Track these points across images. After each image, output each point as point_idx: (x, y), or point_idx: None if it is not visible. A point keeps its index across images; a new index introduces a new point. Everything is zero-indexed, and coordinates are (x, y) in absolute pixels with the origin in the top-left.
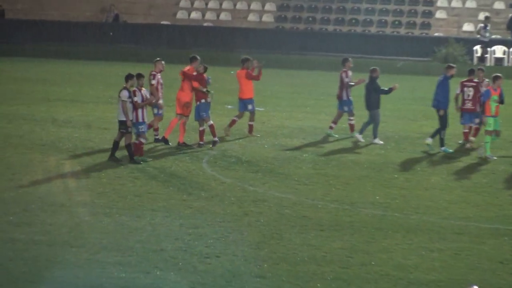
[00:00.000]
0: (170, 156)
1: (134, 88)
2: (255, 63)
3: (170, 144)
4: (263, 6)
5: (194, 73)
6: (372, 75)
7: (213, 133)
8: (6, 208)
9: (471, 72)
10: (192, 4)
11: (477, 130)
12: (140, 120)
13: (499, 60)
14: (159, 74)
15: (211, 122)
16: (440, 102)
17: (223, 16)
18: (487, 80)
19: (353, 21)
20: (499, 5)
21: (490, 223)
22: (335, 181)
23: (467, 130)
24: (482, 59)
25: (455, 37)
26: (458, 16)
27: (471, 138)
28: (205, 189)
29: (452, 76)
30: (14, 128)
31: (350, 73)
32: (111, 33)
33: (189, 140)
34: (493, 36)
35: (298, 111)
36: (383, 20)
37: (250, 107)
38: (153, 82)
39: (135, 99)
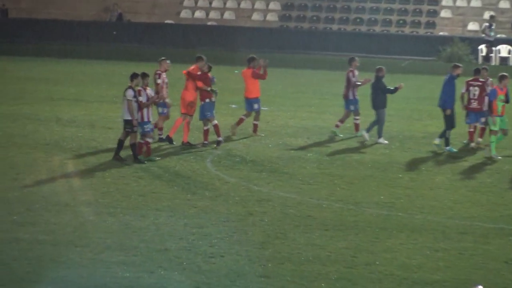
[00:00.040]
0: (174, 156)
1: (139, 88)
2: (261, 62)
3: (174, 143)
4: (267, 5)
5: (199, 73)
6: (378, 74)
7: (218, 133)
8: (10, 207)
9: (477, 71)
10: (196, 3)
11: (483, 130)
12: (146, 119)
13: (504, 60)
14: (164, 73)
15: (216, 121)
16: (446, 101)
17: (227, 15)
18: (490, 79)
19: (358, 20)
20: (504, 4)
21: (495, 223)
22: (340, 180)
23: (472, 130)
24: (487, 58)
25: (460, 36)
26: (463, 15)
27: (479, 139)
28: (210, 189)
29: (458, 75)
30: (17, 127)
31: (356, 72)
32: (114, 32)
33: (193, 139)
34: (498, 35)
35: (302, 111)
36: (388, 19)
37: (256, 106)
38: (159, 81)
39: (140, 98)
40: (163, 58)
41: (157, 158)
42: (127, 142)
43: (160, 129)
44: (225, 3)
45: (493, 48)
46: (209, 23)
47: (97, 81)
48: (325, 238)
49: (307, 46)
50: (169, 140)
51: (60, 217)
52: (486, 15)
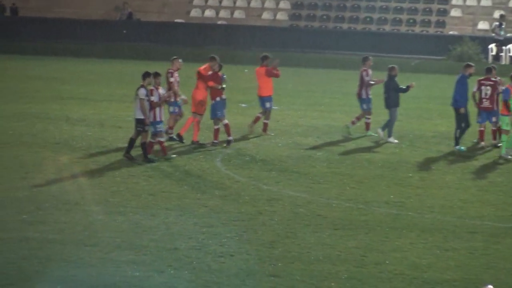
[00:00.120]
0: (184, 155)
1: (152, 87)
2: (276, 63)
3: (184, 141)
4: (277, 4)
5: (210, 72)
6: (391, 73)
7: (228, 132)
8: (19, 206)
9: (489, 70)
10: (206, 2)
11: (495, 132)
12: (158, 119)
13: None
14: (176, 72)
15: (226, 121)
16: (458, 101)
17: (237, 14)
18: (498, 78)
19: (368, 19)
20: None
21: (505, 222)
22: (350, 180)
23: (482, 129)
24: (497, 57)
25: (470, 36)
26: (473, 14)
27: (493, 142)
28: (219, 188)
29: (470, 74)
30: (27, 126)
31: (370, 71)
32: (124, 31)
33: (203, 138)
34: (508, 35)
35: (312, 110)
36: (398, 18)
37: (268, 105)
38: (172, 79)
39: (152, 98)
40: (176, 57)
41: (174, 156)
42: (138, 141)
43: (171, 128)
44: (235, 2)
45: (503, 47)
46: (219, 22)
47: (106, 80)
48: (335, 237)
49: (317, 45)
50: (180, 137)
51: (70, 216)
52: (496, 14)
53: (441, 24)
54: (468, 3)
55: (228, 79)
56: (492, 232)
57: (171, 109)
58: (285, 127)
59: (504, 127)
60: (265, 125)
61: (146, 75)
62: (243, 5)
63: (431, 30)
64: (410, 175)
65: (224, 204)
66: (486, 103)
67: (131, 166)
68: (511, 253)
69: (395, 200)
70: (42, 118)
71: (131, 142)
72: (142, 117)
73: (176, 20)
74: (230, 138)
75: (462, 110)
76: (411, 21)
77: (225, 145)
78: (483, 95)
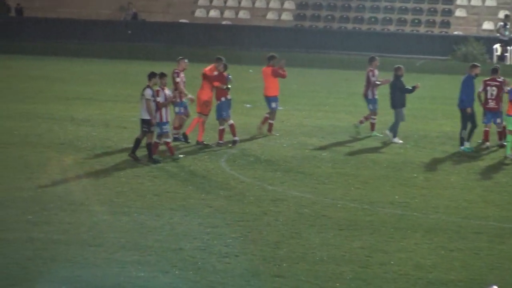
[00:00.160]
0: (189, 155)
1: (158, 88)
2: (282, 63)
3: (189, 141)
4: (282, 4)
5: (215, 73)
6: (397, 73)
7: (233, 133)
8: (24, 207)
9: (494, 71)
10: (211, 2)
11: (500, 133)
12: (164, 120)
13: None
14: (182, 72)
15: (232, 121)
16: (464, 101)
17: (242, 14)
18: (502, 78)
19: (373, 19)
20: None
21: (510, 223)
22: (354, 180)
23: (487, 129)
24: (502, 57)
25: (474, 36)
26: (478, 14)
27: (498, 142)
28: (224, 188)
29: (476, 75)
30: (32, 126)
31: (376, 71)
32: (129, 32)
33: (208, 139)
34: None
35: (317, 110)
36: (403, 19)
37: (273, 105)
38: (178, 79)
39: (158, 99)
40: (182, 57)
41: (181, 156)
42: (143, 142)
43: (176, 128)
44: (239, 2)
45: (508, 48)
46: (223, 22)
47: (111, 80)
48: (340, 238)
49: (322, 46)
50: (185, 137)
51: (75, 217)
52: (501, 14)
53: (445, 24)
54: (473, 3)
55: (233, 79)
56: (497, 233)
57: (177, 109)
58: (290, 128)
59: (510, 128)
60: (270, 125)
61: (152, 75)
62: (247, 5)
63: (436, 30)
64: (415, 175)
65: (229, 204)
66: (491, 104)
67: (136, 166)
68: None
69: (400, 201)
70: (47, 119)
71: (137, 142)
72: (147, 117)
73: (180, 20)
74: (236, 138)
75: (469, 110)
76: (416, 21)
77: (230, 145)
78: (488, 96)
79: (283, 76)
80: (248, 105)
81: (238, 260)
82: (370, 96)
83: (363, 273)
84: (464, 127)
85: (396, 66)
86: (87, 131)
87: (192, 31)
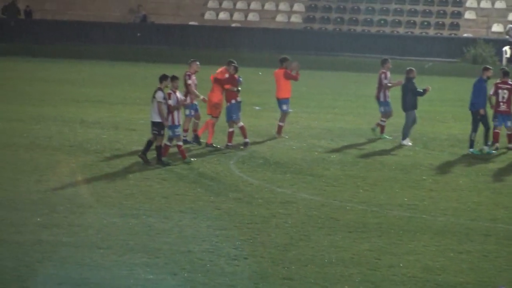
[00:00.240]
0: (198, 157)
1: (169, 91)
2: (294, 66)
3: (202, 142)
4: (292, 6)
5: (226, 75)
6: (409, 75)
7: (244, 135)
8: (34, 209)
9: (506, 73)
10: (220, 4)
11: (510, 136)
12: (176, 123)
13: None
14: (194, 74)
15: (242, 123)
16: (476, 103)
17: (251, 16)
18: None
19: (382, 21)
20: None
21: None
22: (363, 182)
23: (498, 131)
24: (511, 60)
25: (484, 38)
26: (487, 16)
27: (508, 145)
28: (233, 191)
29: (488, 78)
30: (42, 129)
31: (389, 74)
32: (138, 34)
33: (217, 141)
34: None
35: (326, 112)
36: (412, 21)
37: (284, 107)
38: (189, 82)
39: (170, 102)
40: (193, 59)
41: (193, 159)
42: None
43: (185, 130)
44: (249, 5)
45: None
46: (233, 25)
47: (121, 82)
48: (349, 240)
49: (331, 48)
50: (197, 139)
51: (84, 219)
52: (511, 16)
53: (455, 26)
54: (482, 5)
55: (244, 81)
56: (505, 235)
57: (187, 112)
58: (298, 130)
59: None
60: (280, 127)
61: (163, 78)
62: (257, 7)
63: (445, 33)
64: (424, 177)
65: (238, 206)
66: (503, 107)
67: (145, 169)
68: None
69: (409, 203)
70: (57, 121)
71: (149, 144)
72: (158, 120)
73: (190, 23)
74: (247, 140)
75: (481, 112)
76: (425, 23)
77: (242, 147)
78: (500, 99)
79: (295, 79)
80: (257, 107)
81: (247, 263)
82: (382, 99)
83: (371, 275)
84: (474, 129)
85: (408, 68)
86: (97, 133)
87: (202, 34)
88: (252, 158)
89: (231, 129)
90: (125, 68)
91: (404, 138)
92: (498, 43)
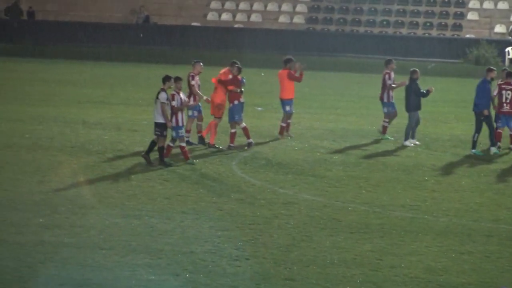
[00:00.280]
0: (200, 158)
1: (173, 92)
2: (297, 66)
3: (207, 143)
4: (294, 7)
5: (230, 76)
6: (413, 76)
7: (247, 135)
8: (36, 210)
9: (509, 74)
10: (223, 5)
11: None
12: (180, 124)
13: None
14: (197, 75)
15: (244, 124)
16: (479, 104)
17: (254, 17)
18: None
19: (384, 22)
20: None
21: None
22: (365, 183)
23: (500, 131)
24: None
25: (487, 39)
26: (490, 17)
27: (510, 146)
28: (235, 191)
29: (492, 79)
30: (44, 130)
31: (393, 74)
32: (141, 35)
33: (219, 142)
34: None
35: (328, 113)
36: (415, 22)
37: (287, 108)
38: (193, 82)
39: (173, 103)
40: (197, 60)
41: (196, 161)
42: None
43: (188, 131)
44: (251, 6)
45: None
46: (235, 26)
47: (123, 83)
48: (351, 241)
49: (334, 49)
50: (202, 140)
51: (86, 220)
52: None
53: (458, 27)
54: (485, 6)
55: (247, 82)
56: (508, 236)
57: (190, 113)
58: (301, 131)
59: None
60: (282, 128)
61: (166, 78)
62: (260, 8)
63: (448, 34)
64: (426, 178)
65: (240, 207)
66: (506, 108)
67: (147, 169)
68: None
69: (411, 204)
70: (59, 122)
71: (152, 144)
72: (161, 121)
73: (192, 24)
74: (250, 140)
75: (485, 112)
76: (428, 24)
77: (246, 147)
78: (503, 99)
79: (298, 80)
80: (259, 108)
81: (248, 263)
82: (385, 100)
83: (373, 276)
84: (478, 131)
85: (412, 69)
86: (99, 134)
87: (204, 34)
88: (254, 159)
89: (233, 130)
90: (127, 69)
91: (406, 139)
92: (500, 44)
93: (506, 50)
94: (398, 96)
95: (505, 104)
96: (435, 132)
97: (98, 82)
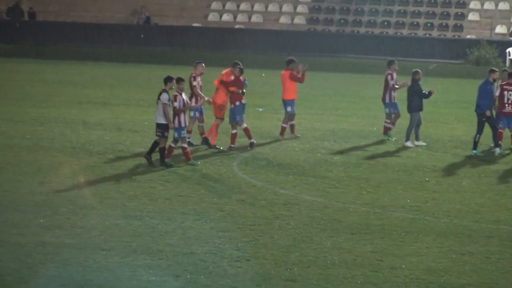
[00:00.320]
0: (201, 159)
1: (175, 93)
2: (300, 67)
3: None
4: (295, 8)
5: (232, 77)
6: (415, 77)
7: (249, 136)
8: (37, 211)
9: (511, 75)
10: (224, 6)
11: None
12: (182, 125)
13: None
14: (199, 76)
15: (245, 125)
16: (481, 105)
17: (255, 18)
18: None
19: (385, 23)
20: None
21: None
22: (366, 184)
23: (501, 131)
24: None
25: (487, 39)
26: (491, 18)
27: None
28: (236, 192)
29: (494, 80)
30: (45, 130)
31: (395, 75)
32: (142, 36)
33: (220, 143)
34: None
35: (329, 114)
36: (415, 22)
37: (289, 109)
38: (194, 83)
39: (175, 104)
40: (199, 61)
41: (198, 163)
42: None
43: (189, 132)
44: (252, 6)
45: None
46: (236, 26)
47: (124, 84)
48: (351, 242)
49: (335, 49)
50: (206, 141)
51: (87, 221)
52: None
53: (458, 28)
54: (486, 7)
55: (248, 83)
56: (508, 237)
57: (191, 113)
58: (302, 131)
59: None
60: (283, 129)
61: (168, 79)
62: (261, 9)
63: (449, 34)
64: (427, 179)
65: (241, 208)
66: (508, 108)
67: (148, 170)
68: None
69: (412, 204)
70: (60, 123)
71: (155, 145)
72: (163, 122)
73: (193, 24)
74: (252, 140)
75: (487, 113)
76: (428, 25)
77: (249, 148)
78: (505, 100)
79: (300, 81)
80: (260, 109)
81: (249, 264)
82: (387, 100)
83: (374, 277)
84: (479, 131)
85: (414, 70)
86: (99, 135)
87: (205, 35)
88: (255, 159)
89: (234, 131)
90: (128, 69)
91: (407, 139)
92: (501, 44)
93: (507, 50)
94: (400, 97)
95: (507, 105)
96: (436, 133)
97: (99, 83)
